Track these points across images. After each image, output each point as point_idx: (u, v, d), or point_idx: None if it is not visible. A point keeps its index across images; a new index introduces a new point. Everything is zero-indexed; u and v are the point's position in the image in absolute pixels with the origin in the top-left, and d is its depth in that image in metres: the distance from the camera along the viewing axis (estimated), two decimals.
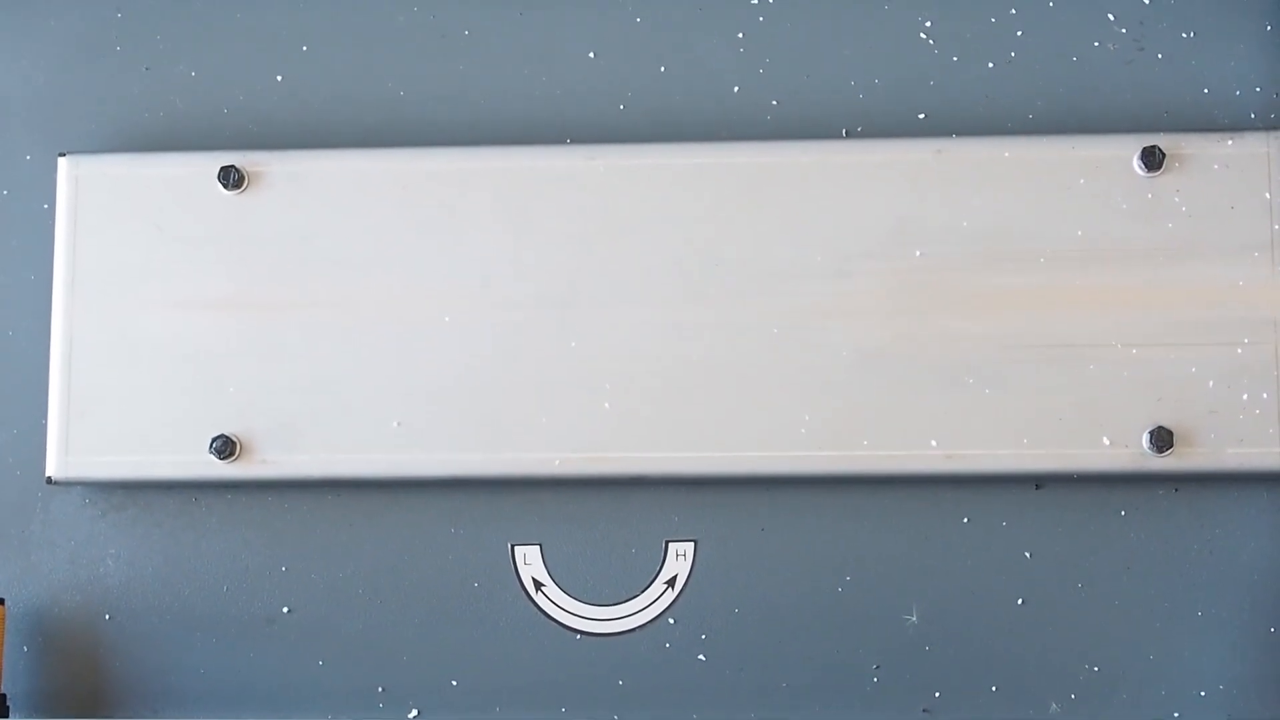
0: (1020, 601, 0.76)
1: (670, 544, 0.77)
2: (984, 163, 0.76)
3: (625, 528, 0.78)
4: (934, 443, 0.75)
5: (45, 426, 0.77)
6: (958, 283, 0.75)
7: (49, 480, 0.77)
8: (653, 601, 0.77)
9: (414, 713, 0.77)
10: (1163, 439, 0.74)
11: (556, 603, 0.77)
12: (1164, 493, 0.76)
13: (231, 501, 0.78)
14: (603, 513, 0.78)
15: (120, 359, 0.77)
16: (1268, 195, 0.75)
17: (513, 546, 0.78)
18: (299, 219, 0.77)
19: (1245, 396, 0.74)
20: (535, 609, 0.77)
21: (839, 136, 0.78)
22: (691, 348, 0.76)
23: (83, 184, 0.78)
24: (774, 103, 0.79)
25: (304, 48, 0.80)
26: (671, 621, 0.77)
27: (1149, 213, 0.75)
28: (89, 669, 0.78)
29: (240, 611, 0.78)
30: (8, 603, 0.78)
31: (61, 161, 0.78)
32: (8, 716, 0.76)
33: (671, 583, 0.77)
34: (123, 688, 0.78)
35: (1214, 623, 0.76)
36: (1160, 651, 0.76)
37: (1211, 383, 0.74)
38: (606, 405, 0.76)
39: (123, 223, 0.78)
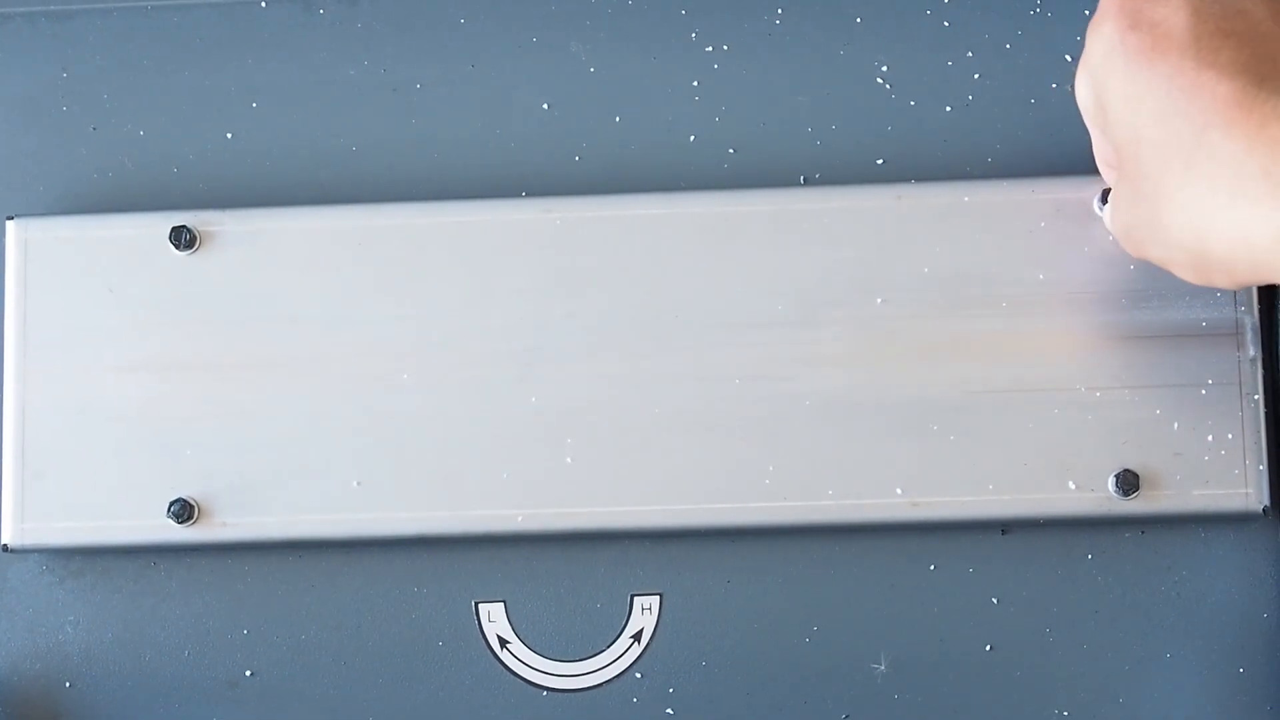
0: (989, 648, 0.76)
1: (635, 598, 0.77)
2: (944, 207, 0.75)
3: (590, 583, 0.77)
4: (899, 490, 0.74)
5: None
6: (920, 329, 0.75)
7: (5, 548, 0.76)
8: (619, 656, 0.77)
9: None
10: (1128, 482, 0.74)
11: (522, 660, 0.77)
12: (1130, 536, 0.76)
13: (191, 565, 0.77)
14: (567, 568, 0.77)
15: (75, 423, 0.76)
16: None
17: (476, 604, 0.77)
18: (253, 278, 0.76)
19: (1210, 438, 0.74)
20: (501, 666, 0.77)
21: (797, 184, 0.78)
22: (653, 400, 0.75)
23: (32, 247, 0.77)
24: (731, 151, 0.78)
25: (254, 104, 0.79)
26: (638, 676, 0.77)
27: (1111, 255, 0.75)
28: None
29: (203, 676, 0.77)
30: None
31: (9, 225, 0.77)
32: None
33: (638, 637, 0.77)
34: None
35: (1183, 665, 0.75)
36: (1130, 694, 0.76)
37: (1176, 424, 0.74)
38: (568, 460, 0.75)
39: (74, 285, 0.77)
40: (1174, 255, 0.64)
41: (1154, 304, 0.75)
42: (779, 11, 0.79)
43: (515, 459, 0.75)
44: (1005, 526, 0.76)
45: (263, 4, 0.80)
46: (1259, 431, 0.74)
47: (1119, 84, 0.64)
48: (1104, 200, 0.74)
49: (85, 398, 0.76)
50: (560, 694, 0.77)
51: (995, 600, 0.76)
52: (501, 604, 0.77)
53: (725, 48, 0.79)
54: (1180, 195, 0.62)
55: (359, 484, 0.75)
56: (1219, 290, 0.74)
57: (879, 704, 0.76)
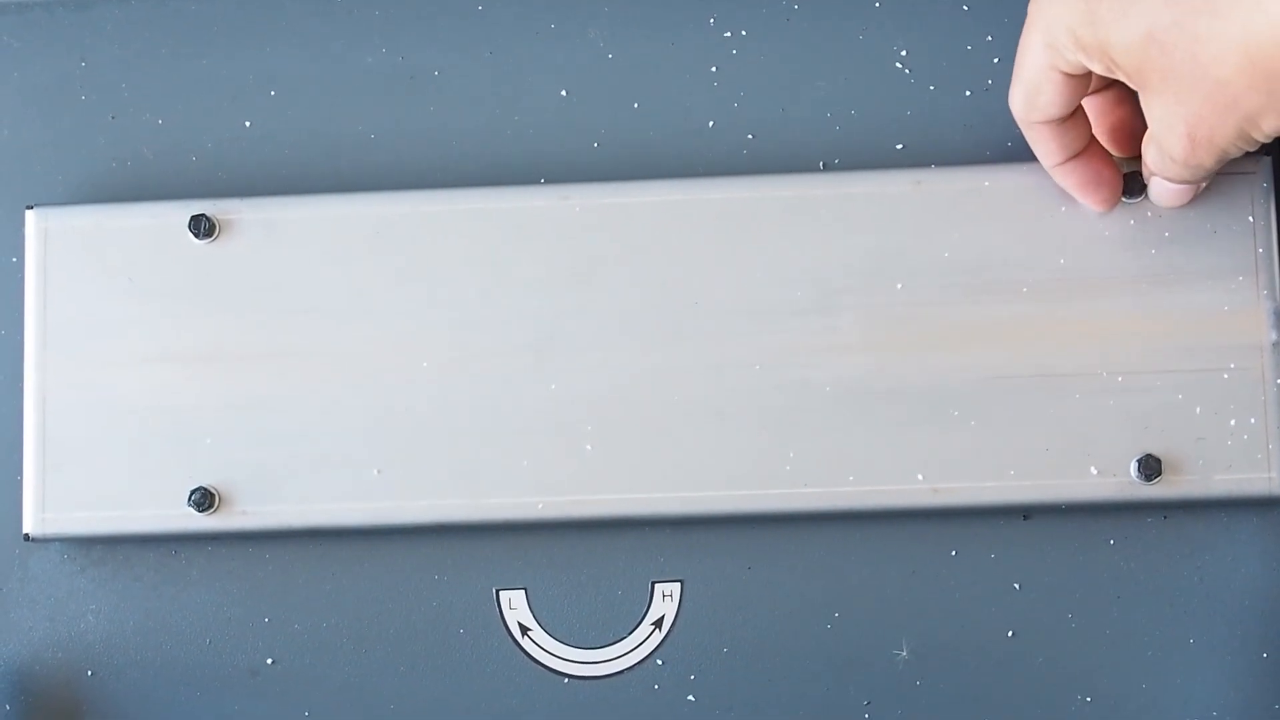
0: (1010, 634, 0.76)
1: (656, 585, 0.77)
2: (964, 193, 0.75)
3: (610, 570, 0.77)
4: (920, 476, 0.74)
5: (20, 483, 0.76)
6: (940, 314, 0.75)
7: (26, 537, 0.76)
8: (640, 643, 0.77)
9: None
10: (1151, 467, 0.73)
11: (543, 647, 0.77)
12: (1153, 521, 0.76)
13: (212, 554, 0.78)
14: (587, 555, 0.77)
15: (95, 413, 0.76)
16: (1250, 219, 0.74)
17: (498, 591, 0.77)
18: (272, 267, 0.76)
19: (1233, 422, 0.74)
20: (522, 654, 0.77)
21: (816, 170, 0.77)
22: (672, 387, 0.75)
23: (51, 236, 0.77)
24: (750, 137, 0.78)
25: (272, 92, 0.79)
26: (660, 663, 0.76)
27: (1131, 239, 0.75)
28: None
29: (224, 664, 0.77)
30: None
31: (29, 214, 0.77)
32: None
33: (659, 624, 0.77)
34: None
35: (1206, 650, 0.75)
36: (1152, 680, 0.75)
37: (1199, 409, 0.74)
38: (588, 447, 0.75)
39: (93, 275, 0.77)
40: (1248, 100, 0.64)
41: (1176, 288, 0.74)
42: None
43: (535, 446, 0.75)
44: (1027, 512, 0.76)
45: None
46: None
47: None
48: (1127, 191, 0.74)
49: (105, 386, 0.76)
50: (581, 681, 0.77)
51: (1017, 586, 0.76)
52: (522, 591, 0.77)
53: (743, 33, 0.79)
54: (1220, 29, 0.63)
55: (379, 472, 0.75)
56: (1240, 275, 0.74)
57: (901, 690, 0.76)
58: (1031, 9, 0.68)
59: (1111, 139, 0.74)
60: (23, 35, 0.80)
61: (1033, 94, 0.70)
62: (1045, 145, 0.72)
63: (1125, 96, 0.72)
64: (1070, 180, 0.73)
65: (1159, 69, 0.65)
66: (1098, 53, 0.66)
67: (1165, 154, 0.68)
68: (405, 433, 0.75)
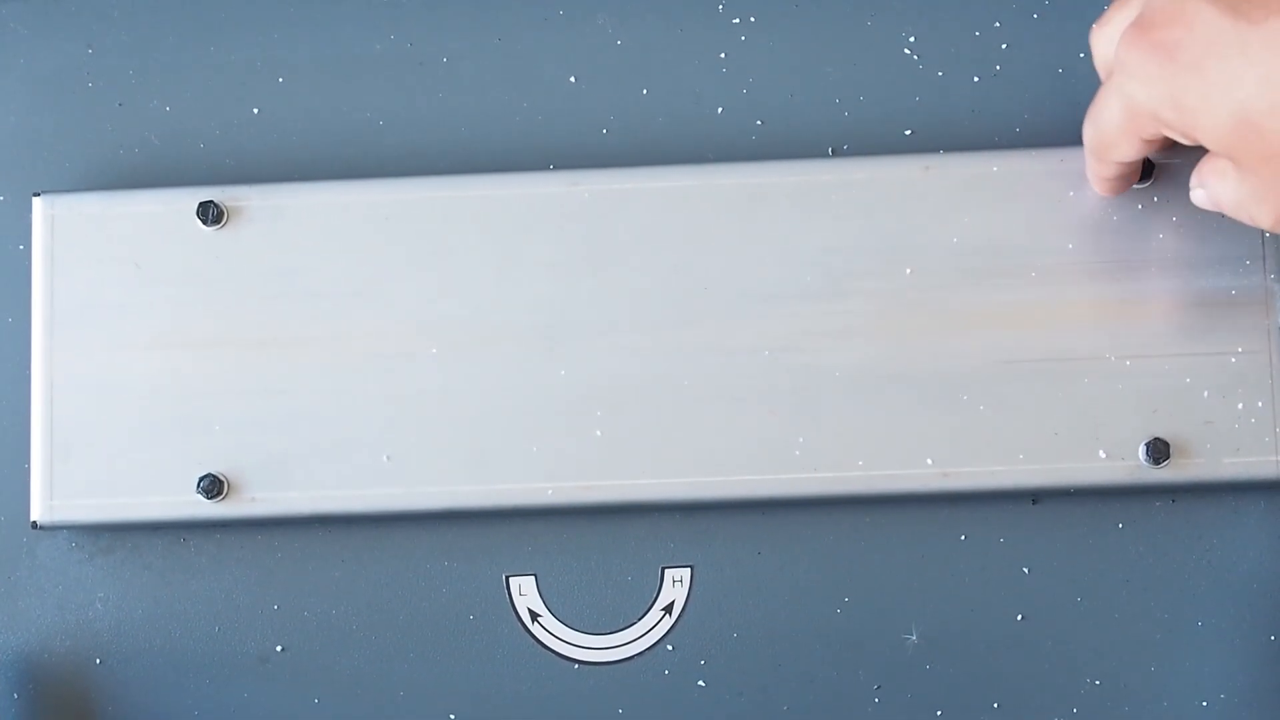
0: (1020, 617, 0.76)
1: (666, 570, 0.77)
2: (972, 178, 0.75)
3: (620, 555, 0.77)
4: (929, 461, 0.74)
5: (28, 471, 0.76)
6: (949, 299, 0.75)
7: (34, 525, 0.76)
8: (650, 629, 0.77)
9: None
10: (1159, 451, 0.74)
11: (553, 633, 0.77)
12: (1161, 504, 0.76)
13: (221, 541, 0.77)
14: (597, 541, 0.77)
15: (103, 400, 0.76)
16: None
17: (507, 578, 0.77)
18: (281, 253, 0.76)
19: (1241, 405, 0.74)
20: (532, 640, 0.77)
21: (825, 155, 0.78)
22: (682, 373, 0.75)
23: (59, 224, 0.77)
24: (759, 123, 0.78)
25: (280, 79, 0.79)
26: (670, 648, 0.77)
27: (1139, 224, 0.75)
28: (82, 715, 0.77)
29: (233, 652, 0.77)
30: None
31: (36, 201, 0.77)
32: None
33: (669, 609, 0.77)
34: None
35: (1214, 633, 0.76)
36: (1161, 663, 0.76)
37: (1206, 393, 0.74)
38: (598, 433, 0.75)
39: (101, 262, 0.76)
40: None
41: (1183, 272, 0.75)
42: None
43: (544, 432, 0.75)
44: (1036, 496, 0.76)
45: None
46: None
47: (1200, 82, 0.64)
48: (1145, 176, 0.74)
49: (113, 374, 0.76)
50: (592, 666, 0.77)
51: (1026, 570, 0.76)
52: (532, 577, 0.77)
53: (752, 19, 0.79)
54: None
55: (388, 458, 0.75)
56: (1247, 259, 0.74)
57: (910, 674, 0.76)
58: (1115, 69, 0.66)
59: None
60: (30, 22, 0.80)
61: (1109, 146, 0.70)
62: (1105, 171, 0.72)
63: None
64: (1104, 185, 0.74)
65: (1255, 152, 0.64)
66: (1183, 132, 0.65)
67: (1248, 216, 0.67)
68: (415, 419, 0.75)
